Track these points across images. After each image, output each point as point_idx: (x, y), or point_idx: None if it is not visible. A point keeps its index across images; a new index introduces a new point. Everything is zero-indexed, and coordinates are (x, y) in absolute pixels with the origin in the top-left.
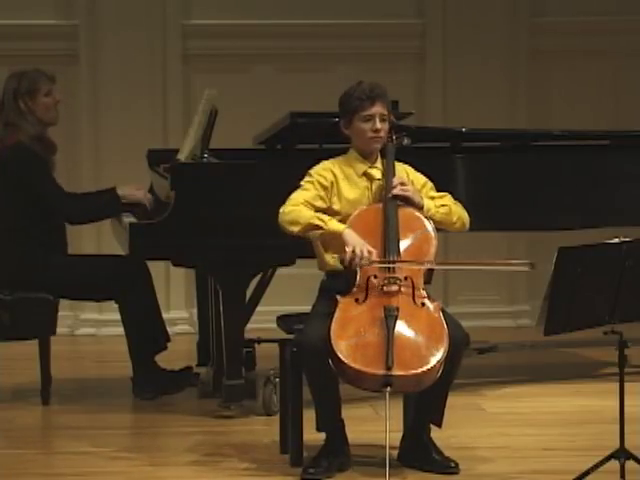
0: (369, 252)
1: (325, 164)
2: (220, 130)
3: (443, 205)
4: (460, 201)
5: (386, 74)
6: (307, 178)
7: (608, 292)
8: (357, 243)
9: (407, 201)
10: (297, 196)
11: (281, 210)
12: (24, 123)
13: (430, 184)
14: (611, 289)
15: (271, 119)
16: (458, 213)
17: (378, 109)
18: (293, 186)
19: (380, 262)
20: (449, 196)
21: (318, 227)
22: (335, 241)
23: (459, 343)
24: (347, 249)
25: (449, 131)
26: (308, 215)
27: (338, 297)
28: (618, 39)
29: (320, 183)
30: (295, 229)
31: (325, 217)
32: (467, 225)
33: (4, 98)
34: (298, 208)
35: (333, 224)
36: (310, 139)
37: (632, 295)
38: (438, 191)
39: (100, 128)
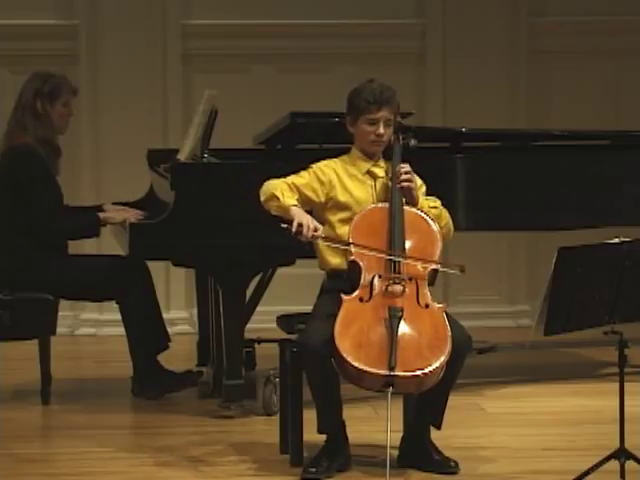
0: (315, 228)
1: (328, 161)
2: (220, 130)
3: (435, 207)
4: (448, 208)
5: (386, 74)
6: (307, 169)
7: (608, 292)
8: (304, 218)
9: (408, 192)
10: (288, 177)
11: (266, 182)
12: (35, 124)
13: (424, 188)
14: (611, 289)
15: (271, 119)
16: (447, 219)
17: (384, 114)
18: None
19: (327, 239)
20: (439, 202)
21: (277, 198)
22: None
23: (462, 346)
24: (294, 222)
25: (449, 131)
26: (277, 187)
27: (343, 296)
28: (618, 39)
29: (317, 175)
30: (262, 198)
31: (288, 193)
32: (452, 233)
33: (23, 95)
34: (278, 182)
35: (287, 199)
36: (310, 139)
37: (632, 295)
38: (432, 194)
39: (100, 128)
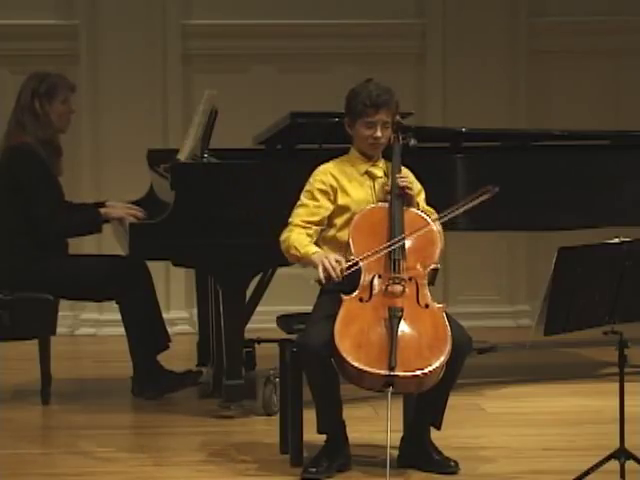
0: (337, 261)
1: (324, 168)
2: (220, 130)
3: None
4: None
5: (386, 74)
6: (306, 187)
7: (608, 292)
8: (323, 259)
9: (408, 199)
10: (293, 218)
11: (281, 237)
12: (34, 124)
13: (423, 195)
14: (611, 289)
15: (271, 119)
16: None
17: (381, 117)
18: (293, 186)
19: (351, 266)
20: (435, 215)
21: (295, 252)
22: (333, 244)
23: (462, 347)
24: (319, 270)
25: (449, 131)
26: (292, 240)
27: (343, 296)
28: (617, 39)
29: (319, 190)
30: (282, 247)
31: (303, 242)
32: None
33: (21, 95)
34: (288, 237)
35: (305, 250)
36: (310, 139)
37: (632, 295)
38: (432, 194)
39: (100, 128)
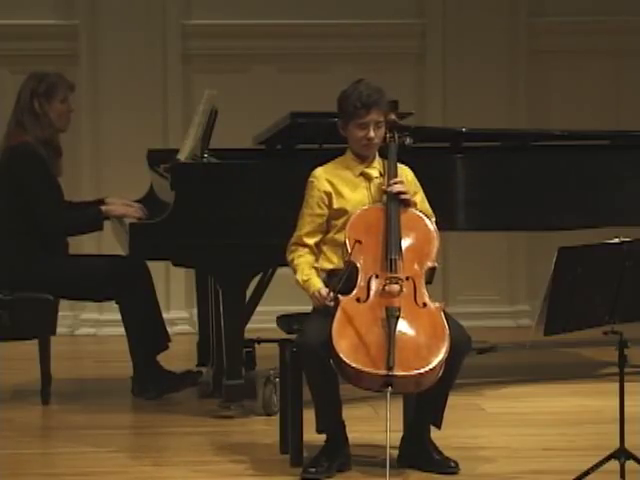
0: (319, 292)
1: (319, 174)
2: (220, 130)
3: None
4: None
5: (386, 74)
6: (305, 198)
7: (608, 292)
8: (312, 296)
9: (404, 200)
10: (295, 234)
11: (288, 256)
12: (34, 124)
13: (422, 194)
14: (611, 289)
15: (271, 119)
16: None
17: (373, 117)
18: (293, 186)
19: (336, 284)
20: (434, 218)
21: (297, 278)
22: (332, 245)
23: (461, 346)
24: (313, 300)
25: (449, 131)
26: (294, 272)
27: (340, 296)
28: (618, 39)
29: (320, 199)
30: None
31: (301, 273)
32: None
33: (20, 95)
34: (292, 260)
35: (306, 285)
36: (310, 139)
37: (632, 295)
38: (432, 194)
39: (100, 128)
